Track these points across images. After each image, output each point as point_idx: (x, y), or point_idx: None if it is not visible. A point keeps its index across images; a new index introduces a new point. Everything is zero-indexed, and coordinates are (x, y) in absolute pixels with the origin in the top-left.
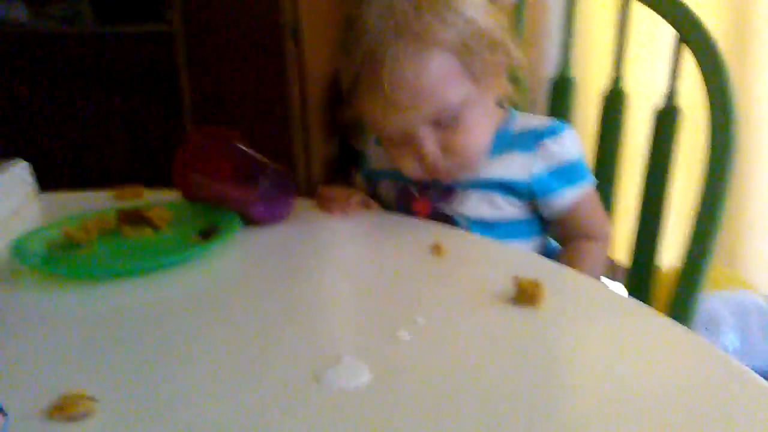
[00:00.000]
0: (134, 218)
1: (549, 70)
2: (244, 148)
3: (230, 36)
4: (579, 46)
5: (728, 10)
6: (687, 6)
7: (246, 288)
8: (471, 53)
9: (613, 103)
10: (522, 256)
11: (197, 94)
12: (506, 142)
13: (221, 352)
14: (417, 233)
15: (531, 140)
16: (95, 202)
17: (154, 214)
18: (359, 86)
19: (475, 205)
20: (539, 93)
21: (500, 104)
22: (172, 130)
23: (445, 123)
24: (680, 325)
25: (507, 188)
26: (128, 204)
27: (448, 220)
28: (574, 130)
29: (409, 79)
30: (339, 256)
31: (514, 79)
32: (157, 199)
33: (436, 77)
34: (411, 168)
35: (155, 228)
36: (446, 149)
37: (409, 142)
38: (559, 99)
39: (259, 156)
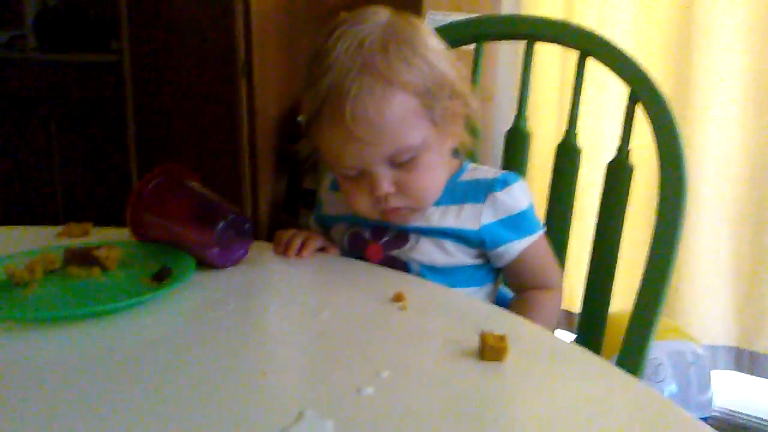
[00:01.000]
0: (82, 258)
1: (499, 122)
2: (201, 188)
3: (180, 70)
4: (533, 99)
5: (671, 68)
6: (639, 64)
7: (200, 335)
8: (432, 98)
9: (566, 156)
10: (485, 309)
11: (143, 127)
12: (458, 192)
13: (172, 406)
14: (377, 281)
15: (481, 191)
16: (40, 240)
17: (104, 254)
18: (322, 118)
19: (427, 251)
20: (491, 144)
21: (454, 154)
22: (115, 165)
23: (402, 163)
24: (638, 380)
25: (457, 237)
26: (75, 242)
27: (401, 265)
28: (524, 181)
29: (371, 115)
30: (297, 303)
31: (472, 130)
32: (107, 238)
33: (398, 117)
34: (364, 205)
35: (104, 269)
36: (401, 189)
37: (364, 179)
38: (515, 151)
39: (216, 197)
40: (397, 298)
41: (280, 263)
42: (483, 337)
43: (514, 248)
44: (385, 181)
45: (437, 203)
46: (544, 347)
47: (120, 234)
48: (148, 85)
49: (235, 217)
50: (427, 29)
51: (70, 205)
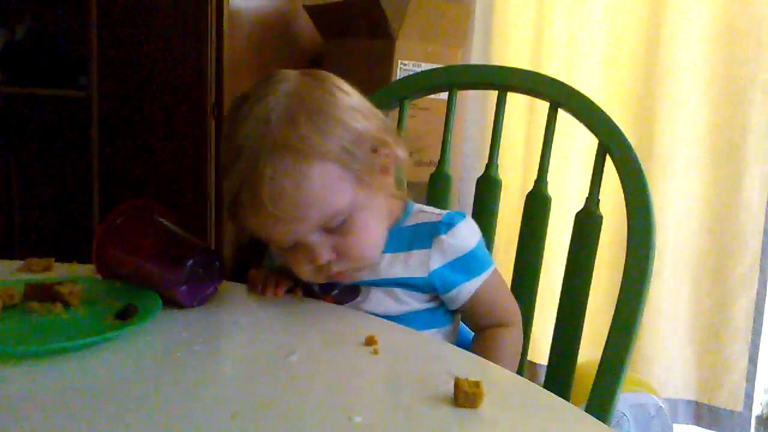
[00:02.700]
0: (43, 293)
1: (466, 169)
2: (170, 224)
3: (149, 109)
4: (503, 147)
5: (634, 122)
6: (608, 116)
7: (165, 377)
8: (352, 158)
9: (536, 205)
10: (458, 354)
11: (107, 164)
12: (403, 238)
13: None
14: (348, 324)
15: (427, 236)
16: None
17: (66, 290)
18: (241, 204)
19: (380, 301)
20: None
21: (397, 196)
22: (77, 202)
23: (335, 228)
24: (612, 429)
25: (408, 285)
26: (36, 277)
27: None
28: (469, 219)
29: (289, 192)
30: (267, 346)
31: (398, 180)
32: (69, 274)
33: (319, 187)
34: (306, 273)
35: (66, 305)
36: (340, 254)
37: (301, 248)
38: (486, 198)
39: (185, 233)
40: (369, 341)
41: (248, 303)
42: (458, 383)
43: (466, 289)
44: (323, 249)
45: (384, 251)
46: (520, 393)
47: (83, 270)
48: (114, 122)
49: (206, 255)
50: (339, 86)
51: (27, 242)
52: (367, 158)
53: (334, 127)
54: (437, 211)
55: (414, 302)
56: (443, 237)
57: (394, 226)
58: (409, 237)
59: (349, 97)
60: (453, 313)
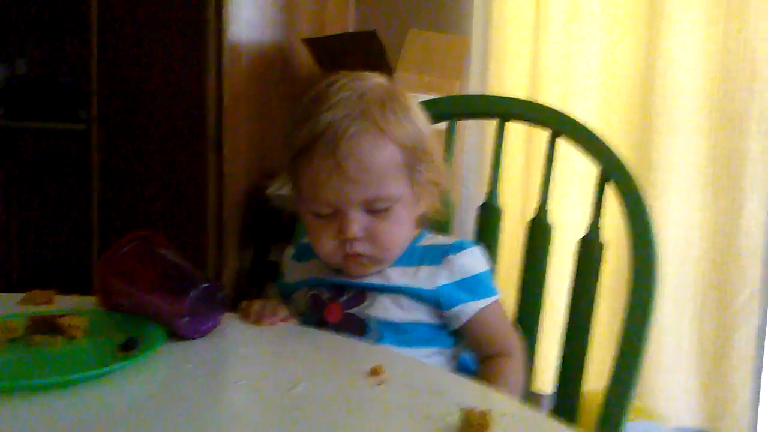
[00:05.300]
0: (45, 326)
1: (465, 198)
2: (173, 255)
3: (149, 141)
4: (505, 175)
5: (632, 150)
6: (610, 145)
7: (168, 410)
8: (415, 160)
9: (538, 233)
10: (465, 384)
11: (107, 196)
12: (415, 255)
13: None
14: (352, 354)
15: (438, 255)
16: (0, 307)
17: (68, 322)
18: (313, 151)
19: (384, 307)
20: (458, 220)
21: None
22: (77, 234)
23: (377, 211)
24: None
25: (413, 295)
26: (39, 310)
27: (358, 323)
28: (480, 249)
29: (363, 153)
30: (270, 377)
31: (445, 203)
32: (71, 306)
33: (385, 164)
34: (328, 246)
35: (69, 337)
36: (369, 236)
37: (335, 220)
38: (487, 227)
39: (189, 265)
40: (375, 372)
41: (251, 334)
42: (465, 414)
43: (469, 308)
44: (356, 224)
45: (395, 263)
46: (528, 423)
47: (85, 302)
48: (115, 155)
49: (208, 286)
50: (417, 103)
51: (27, 275)
52: (423, 168)
53: (410, 124)
54: (450, 237)
55: (418, 313)
56: (452, 257)
57: (409, 245)
58: (420, 255)
59: (423, 114)
60: (455, 340)
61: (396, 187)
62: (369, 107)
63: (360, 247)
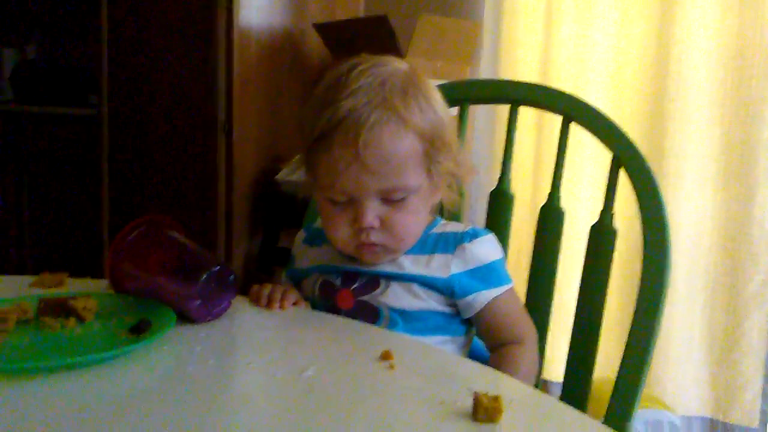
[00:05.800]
0: (57, 308)
1: (475, 183)
2: (184, 238)
3: (159, 126)
4: (515, 161)
5: (645, 137)
6: (622, 130)
7: (179, 392)
8: (434, 150)
9: (550, 219)
10: (476, 368)
11: (117, 181)
12: (428, 243)
13: None
14: (362, 338)
15: (451, 243)
16: (12, 289)
17: (79, 305)
18: (333, 138)
19: (397, 295)
20: (468, 206)
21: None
22: (87, 219)
23: (393, 201)
24: None
25: (427, 283)
26: (50, 292)
27: (371, 310)
28: (494, 237)
29: (383, 143)
30: (281, 360)
31: (460, 192)
32: (83, 289)
33: (404, 154)
34: (342, 234)
35: (80, 320)
36: (384, 225)
37: (350, 208)
38: (498, 212)
39: (199, 248)
40: (385, 356)
41: (262, 318)
42: (477, 398)
43: (483, 296)
44: (372, 213)
45: (408, 252)
46: (539, 408)
47: (96, 285)
48: (125, 140)
49: (219, 269)
50: (436, 88)
51: (39, 258)
52: (442, 158)
53: (431, 112)
54: (463, 224)
55: (431, 301)
56: (467, 245)
57: (423, 232)
58: (434, 243)
59: (444, 102)
60: (467, 328)
61: (414, 177)
62: (390, 95)
63: (375, 237)
